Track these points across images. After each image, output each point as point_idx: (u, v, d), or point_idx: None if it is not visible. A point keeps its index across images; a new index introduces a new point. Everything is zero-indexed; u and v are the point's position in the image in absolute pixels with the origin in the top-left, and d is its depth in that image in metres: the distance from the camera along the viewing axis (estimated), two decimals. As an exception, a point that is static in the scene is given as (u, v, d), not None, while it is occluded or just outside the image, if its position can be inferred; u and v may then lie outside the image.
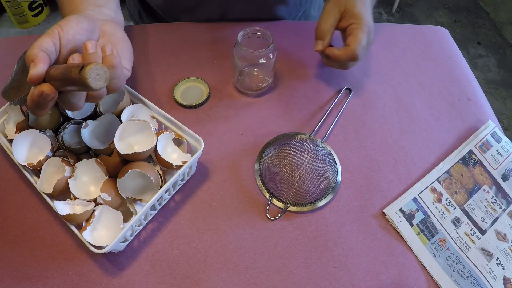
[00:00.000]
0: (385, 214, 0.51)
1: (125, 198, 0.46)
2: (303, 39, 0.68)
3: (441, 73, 0.67)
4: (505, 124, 1.75)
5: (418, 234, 0.50)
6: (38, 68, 0.36)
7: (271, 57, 0.56)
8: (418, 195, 0.53)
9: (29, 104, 0.37)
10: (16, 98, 0.43)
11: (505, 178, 0.56)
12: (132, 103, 0.52)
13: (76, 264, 0.46)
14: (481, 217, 0.52)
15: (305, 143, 0.54)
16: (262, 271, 0.46)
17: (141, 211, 0.44)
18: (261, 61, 0.55)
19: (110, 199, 0.44)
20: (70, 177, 0.45)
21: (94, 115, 0.51)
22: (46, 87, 0.36)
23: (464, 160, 0.56)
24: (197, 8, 0.69)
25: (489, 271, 0.48)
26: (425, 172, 0.55)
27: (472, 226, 0.52)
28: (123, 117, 0.50)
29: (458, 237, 0.50)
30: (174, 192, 0.51)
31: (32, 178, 0.46)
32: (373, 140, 0.58)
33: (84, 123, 0.48)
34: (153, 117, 0.51)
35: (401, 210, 0.51)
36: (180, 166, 0.47)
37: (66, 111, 0.49)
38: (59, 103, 0.40)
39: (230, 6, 0.68)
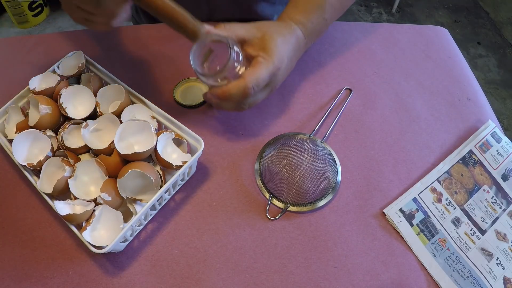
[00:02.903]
0: (385, 214, 0.51)
1: (125, 198, 0.46)
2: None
3: (441, 73, 0.67)
4: (505, 124, 1.75)
5: (418, 234, 0.50)
6: None
7: (237, 67, 0.46)
8: (418, 195, 0.53)
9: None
10: None
11: (505, 178, 0.56)
12: (132, 103, 0.52)
13: (76, 264, 0.45)
14: (481, 217, 0.52)
15: (305, 143, 0.54)
16: (262, 271, 0.46)
17: (141, 211, 0.44)
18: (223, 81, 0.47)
19: (110, 199, 0.44)
20: (70, 177, 0.45)
21: (94, 115, 0.51)
22: None
23: (464, 160, 0.56)
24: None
25: (489, 271, 0.48)
26: (425, 172, 0.55)
27: (472, 226, 0.52)
28: (123, 117, 0.50)
29: (458, 237, 0.50)
30: (174, 192, 0.51)
31: (32, 178, 0.46)
32: (373, 140, 0.58)
33: (84, 123, 0.48)
34: (153, 117, 0.51)
35: (401, 210, 0.51)
36: (180, 166, 0.47)
37: (66, 111, 0.49)
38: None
39: (217, 4, 0.68)
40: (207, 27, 0.46)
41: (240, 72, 0.47)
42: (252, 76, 0.46)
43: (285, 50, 0.50)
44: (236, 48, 0.46)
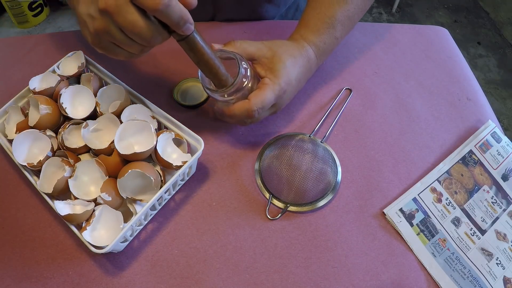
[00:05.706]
0: (385, 214, 0.51)
1: (125, 198, 0.46)
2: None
3: (441, 73, 0.67)
4: (505, 124, 1.75)
5: (418, 234, 0.50)
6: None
7: (244, 82, 0.47)
8: (418, 195, 0.53)
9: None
10: None
11: (505, 178, 0.56)
12: (132, 103, 0.52)
13: (76, 264, 0.46)
14: (481, 217, 0.52)
15: (305, 143, 0.54)
16: (262, 271, 0.46)
17: (141, 211, 0.44)
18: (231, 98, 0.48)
19: (110, 199, 0.44)
20: (70, 177, 0.45)
21: (94, 115, 0.51)
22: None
23: (464, 160, 0.56)
24: None
25: (489, 271, 0.48)
26: (425, 172, 0.55)
27: (472, 226, 0.52)
28: (123, 117, 0.50)
29: (458, 237, 0.50)
30: (174, 192, 0.51)
31: (32, 178, 0.46)
32: (373, 140, 0.58)
33: (84, 123, 0.48)
34: (153, 117, 0.51)
35: (401, 210, 0.51)
36: (180, 166, 0.47)
37: (66, 111, 0.49)
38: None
39: (221, 4, 0.68)
40: (216, 46, 0.48)
41: (246, 89, 0.48)
42: (257, 99, 0.47)
43: (293, 72, 0.50)
44: (244, 64, 0.46)
